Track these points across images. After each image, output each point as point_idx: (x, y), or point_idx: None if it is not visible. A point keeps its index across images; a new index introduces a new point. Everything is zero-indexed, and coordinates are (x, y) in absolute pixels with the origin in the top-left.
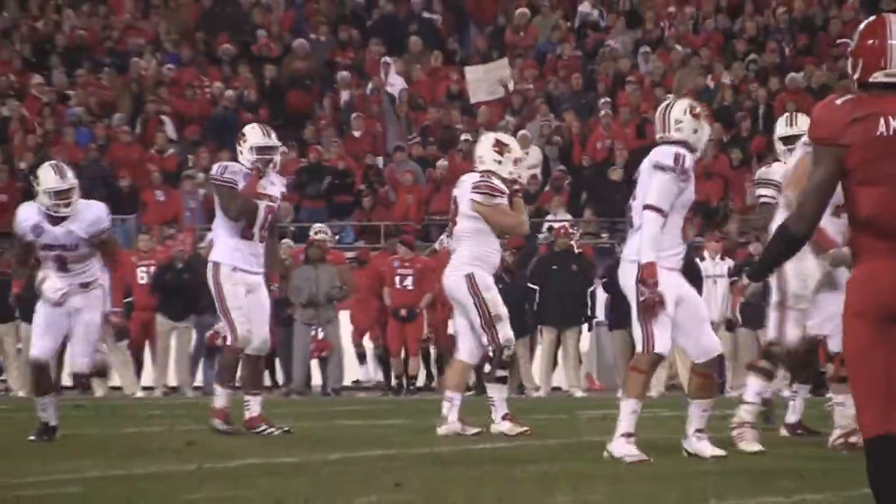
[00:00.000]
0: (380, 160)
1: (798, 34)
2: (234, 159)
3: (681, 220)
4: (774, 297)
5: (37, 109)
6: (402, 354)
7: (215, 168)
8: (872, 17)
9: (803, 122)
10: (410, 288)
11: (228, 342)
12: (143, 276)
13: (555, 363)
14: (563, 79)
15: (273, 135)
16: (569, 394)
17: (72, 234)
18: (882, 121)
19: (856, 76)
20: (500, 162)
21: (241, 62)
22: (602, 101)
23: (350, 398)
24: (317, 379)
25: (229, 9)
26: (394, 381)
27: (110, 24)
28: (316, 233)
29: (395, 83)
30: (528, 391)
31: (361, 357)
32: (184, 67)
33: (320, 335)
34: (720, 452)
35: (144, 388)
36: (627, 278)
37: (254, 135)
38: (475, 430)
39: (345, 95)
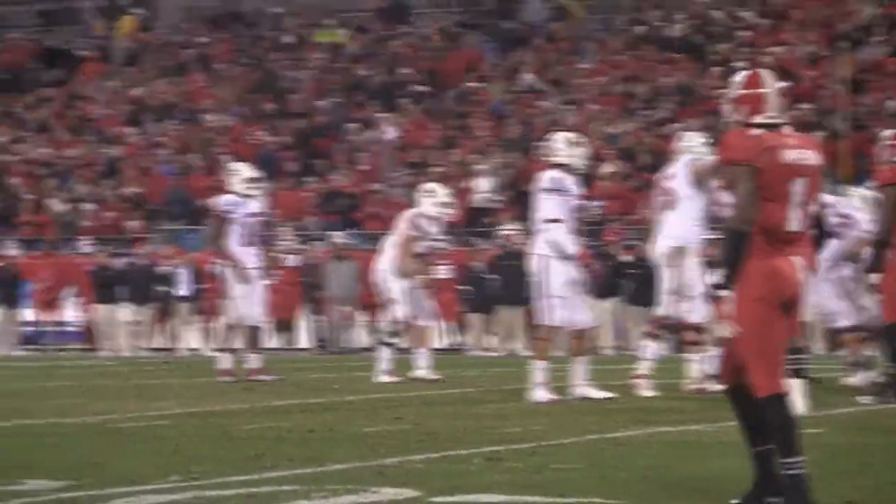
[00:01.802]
0: (380, 187)
1: (678, 96)
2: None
3: (572, 221)
4: (669, 285)
5: (134, 152)
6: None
7: (221, 201)
8: (749, 72)
9: None
10: None
11: (224, 320)
12: (212, 270)
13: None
14: (511, 128)
15: (254, 169)
16: (518, 353)
17: None
18: (783, 152)
19: (739, 118)
20: (426, 203)
21: (279, 117)
22: (538, 144)
23: (363, 356)
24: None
25: (272, 80)
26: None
27: (187, 90)
28: (336, 240)
29: (389, 132)
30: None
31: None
32: (239, 121)
33: (344, 310)
34: (609, 395)
35: (215, 350)
36: (534, 268)
37: (244, 170)
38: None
39: (354, 140)
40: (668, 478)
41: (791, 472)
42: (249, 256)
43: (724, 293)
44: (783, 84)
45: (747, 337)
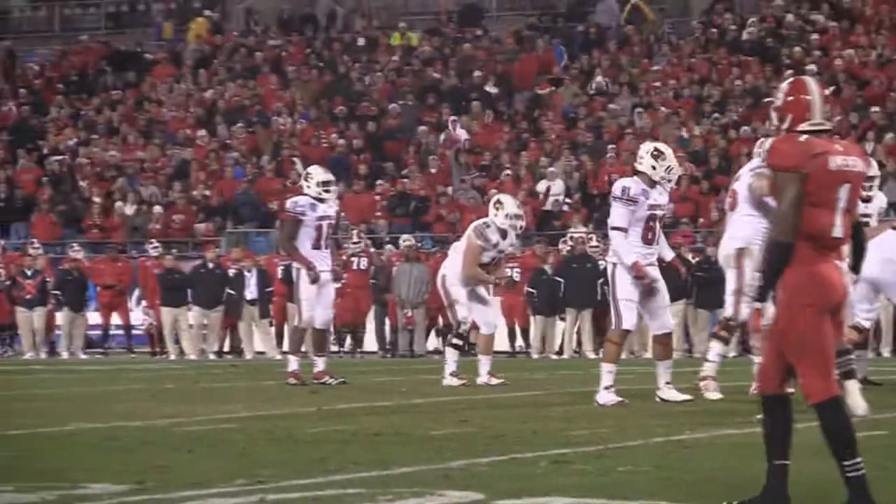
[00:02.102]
0: (449, 189)
1: (748, 99)
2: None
3: (640, 231)
4: (733, 286)
5: (203, 154)
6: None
7: (295, 203)
8: (793, 79)
9: (876, 167)
10: None
11: (296, 323)
12: (281, 273)
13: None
14: (581, 131)
15: (329, 172)
16: (585, 356)
17: None
18: (830, 158)
19: (784, 126)
20: (496, 214)
21: (351, 120)
22: (609, 147)
23: (428, 359)
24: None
25: (344, 82)
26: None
27: (258, 93)
28: (405, 241)
29: (461, 134)
30: (548, 354)
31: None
32: (310, 124)
33: (409, 314)
34: (687, 397)
35: (283, 353)
36: (608, 273)
37: (318, 173)
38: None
39: (424, 143)
40: (734, 480)
41: (852, 473)
42: (320, 259)
43: (759, 305)
44: (828, 91)
45: (798, 344)
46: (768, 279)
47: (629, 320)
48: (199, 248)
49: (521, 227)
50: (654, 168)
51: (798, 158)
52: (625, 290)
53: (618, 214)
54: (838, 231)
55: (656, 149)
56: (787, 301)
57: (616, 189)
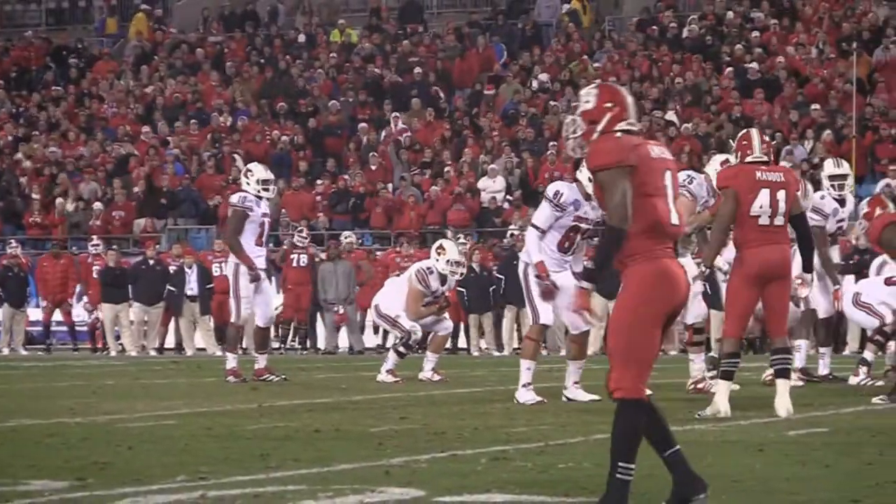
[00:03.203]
0: (389, 186)
1: (687, 96)
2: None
3: (558, 237)
4: None
5: (145, 150)
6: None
7: (238, 198)
8: (602, 83)
9: (847, 166)
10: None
11: (233, 320)
12: (217, 270)
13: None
14: (522, 128)
15: (269, 170)
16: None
17: None
18: (650, 148)
19: (599, 127)
20: (437, 260)
21: (291, 116)
22: (549, 144)
23: (369, 356)
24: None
25: (284, 79)
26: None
27: (199, 89)
28: (346, 238)
29: (401, 131)
30: (491, 350)
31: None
32: (251, 120)
33: (340, 311)
34: (595, 397)
35: (223, 349)
36: (519, 271)
37: (259, 171)
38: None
39: (364, 140)
40: None
41: (622, 476)
42: (259, 256)
43: (587, 285)
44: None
45: (626, 340)
46: (601, 264)
47: (545, 315)
48: (140, 245)
49: (461, 274)
50: (590, 180)
51: (619, 153)
52: (536, 288)
53: (542, 214)
54: (675, 218)
55: None
56: (629, 295)
57: (549, 190)
